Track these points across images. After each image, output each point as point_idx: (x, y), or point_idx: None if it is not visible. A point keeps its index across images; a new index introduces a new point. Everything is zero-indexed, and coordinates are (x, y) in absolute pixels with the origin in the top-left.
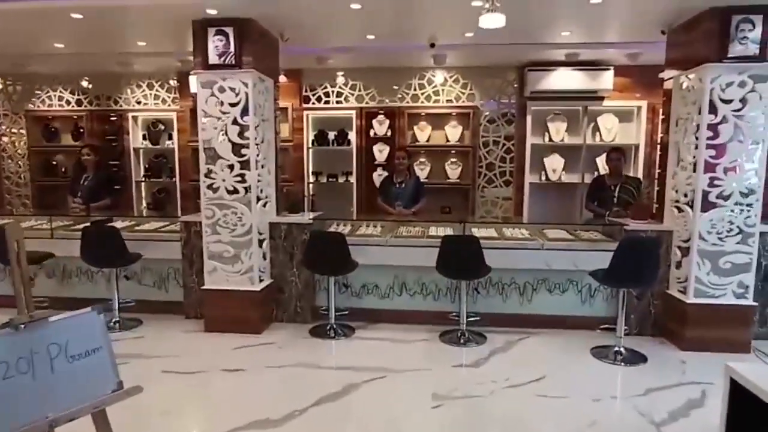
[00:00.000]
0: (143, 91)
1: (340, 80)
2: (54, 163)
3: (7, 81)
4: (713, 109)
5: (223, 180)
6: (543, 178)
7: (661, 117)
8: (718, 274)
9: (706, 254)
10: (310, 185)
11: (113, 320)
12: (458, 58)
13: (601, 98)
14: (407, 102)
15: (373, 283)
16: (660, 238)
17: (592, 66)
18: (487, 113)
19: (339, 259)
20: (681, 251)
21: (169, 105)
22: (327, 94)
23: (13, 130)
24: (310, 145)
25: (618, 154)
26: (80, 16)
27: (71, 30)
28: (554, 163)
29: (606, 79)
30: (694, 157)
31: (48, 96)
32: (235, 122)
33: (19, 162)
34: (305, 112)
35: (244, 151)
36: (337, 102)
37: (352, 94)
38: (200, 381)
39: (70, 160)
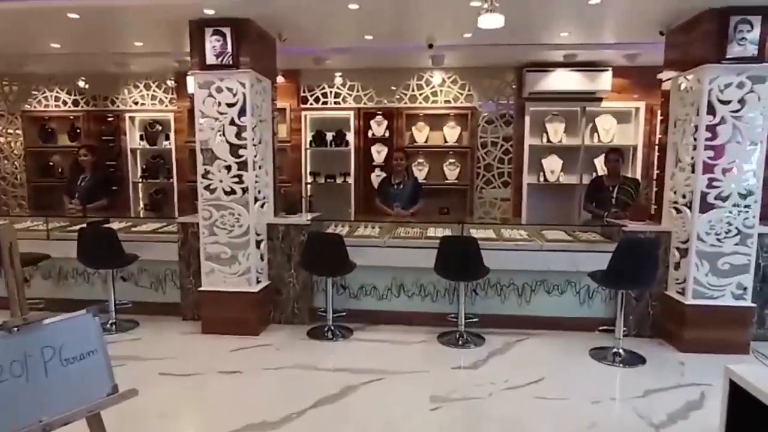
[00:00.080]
0: (140, 91)
1: (338, 81)
2: (51, 163)
3: (3, 81)
4: (711, 110)
5: (221, 181)
6: (541, 179)
7: (659, 118)
8: (716, 275)
9: (705, 255)
10: (308, 186)
11: (110, 322)
12: (456, 58)
13: (600, 99)
14: (405, 103)
15: (371, 285)
16: (658, 239)
17: (591, 67)
18: (486, 114)
19: (337, 260)
20: (679, 252)
21: (166, 105)
22: (325, 95)
23: (10, 131)
24: (308, 146)
25: (616, 155)
26: (77, 16)
27: (68, 30)
28: (552, 164)
29: (604, 80)
30: (692, 158)
31: (44, 96)
32: (232, 123)
33: (16, 163)
34: (303, 113)
35: (241, 151)
36: (335, 103)
37: (350, 95)
38: (197, 383)
39: (66, 160)
